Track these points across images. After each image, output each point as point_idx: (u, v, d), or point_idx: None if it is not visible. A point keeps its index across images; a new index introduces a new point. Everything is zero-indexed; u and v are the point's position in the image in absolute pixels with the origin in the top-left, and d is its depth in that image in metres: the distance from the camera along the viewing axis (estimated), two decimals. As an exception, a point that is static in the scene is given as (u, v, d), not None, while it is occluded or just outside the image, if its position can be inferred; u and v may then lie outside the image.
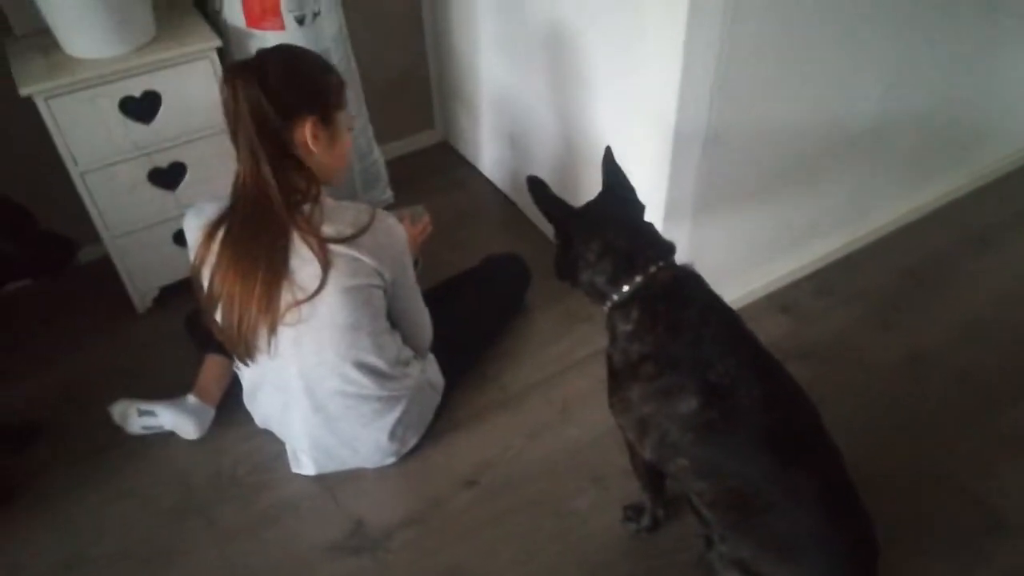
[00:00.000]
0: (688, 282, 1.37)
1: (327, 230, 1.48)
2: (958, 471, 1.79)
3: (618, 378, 1.40)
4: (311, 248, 1.47)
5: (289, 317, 1.52)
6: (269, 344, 1.55)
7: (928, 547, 1.65)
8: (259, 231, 1.47)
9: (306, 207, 1.48)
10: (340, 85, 1.56)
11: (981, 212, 2.53)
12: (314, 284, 1.48)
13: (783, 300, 2.24)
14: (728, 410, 1.29)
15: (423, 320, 1.79)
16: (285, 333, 1.55)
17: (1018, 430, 1.87)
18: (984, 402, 1.94)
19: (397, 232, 1.59)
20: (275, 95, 1.41)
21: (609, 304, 1.39)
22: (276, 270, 1.47)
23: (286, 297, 1.49)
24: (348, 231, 1.49)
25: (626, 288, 1.35)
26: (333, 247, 1.48)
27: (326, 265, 1.47)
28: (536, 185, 1.44)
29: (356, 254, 1.50)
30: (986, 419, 1.90)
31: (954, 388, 1.98)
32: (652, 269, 1.35)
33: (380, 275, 1.56)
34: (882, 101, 2.02)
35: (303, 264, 1.48)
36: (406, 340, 1.75)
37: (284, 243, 1.47)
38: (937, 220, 2.50)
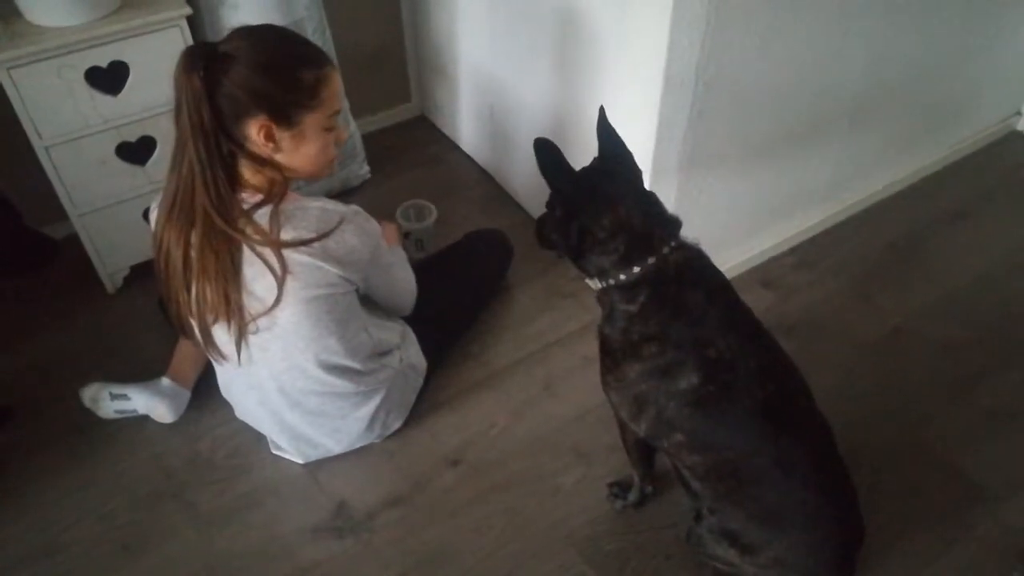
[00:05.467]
0: (697, 263, 1.32)
1: (285, 237, 1.37)
2: (939, 442, 1.80)
3: (615, 356, 1.36)
4: (263, 259, 1.37)
5: (251, 327, 1.46)
6: (239, 352, 1.50)
7: (910, 517, 1.66)
8: (206, 237, 1.36)
9: (262, 212, 1.37)
10: (318, 82, 1.36)
11: (959, 185, 2.54)
12: (271, 296, 1.41)
13: (764, 274, 2.24)
14: (726, 384, 1.28)
15: (400, 295, 1.74)
16: (251, 340, 1.50)
17: (998, 402, 1.89)
18: (965, 374, 1.96)
19: (368, 229, 1.47)
20: (224, 90, 1.29)
21: (610, 283, 1.32)
22: (225, 279, 1.38)
23: (247, 305, 1.43)
24: (309, 237, 1.38)
25: (636, 270, 1.29)
26: (292, 255, 1.38)
27: (282, 279, 1.38)
28: (545, 148, 1.27)
29: (318, 263, 1.40)
30: (967, 391, 1.92)
31: (935, 361, 2.00)
32: (665, 250, 1.29)
33: (347, 281, 1.47)
34: (866, 73, 2.01)
35: (258, 275, 1.40)
36: (386, 308, 1.72)
37: (231, 251, 1.37)
38: (916, 194, 2.51)
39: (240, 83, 1.29)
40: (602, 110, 1.38)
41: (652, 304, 1.29)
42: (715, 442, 1.32)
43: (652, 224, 1.30)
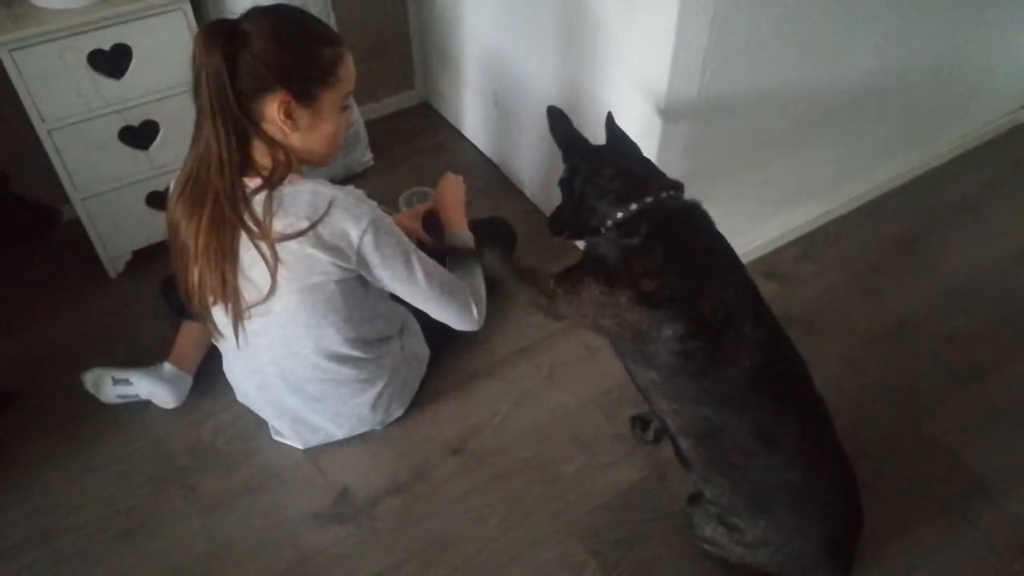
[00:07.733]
0: (695, 212, 1.34)
1: (278, 225, 1.35)
2: (944, 435, 1.80)
3: (607, 274, 1.32)
4: (257, 247, 1.37)
5: (246, 313, 1.46)
6: (236, 335, 1.50)
7: (912, 509, 1.66)
8: (211, 218, 1.36)
9: (259, 197, 1.35)
10: (335, 60, 1.37)
11: (963, 178, 2.53)
12: (266, 285, 1.40)
13: (769, 266, 2.23)
14: (711, 340, 1.26)
15: (439, 300, 1.59)
16: (251, 325, 1.49)
17: (1002, 395, 1.89)
18: (970, 367, 1.95)
19: (363, 211, 1.39)
20: (245, 65, 1.28)
21: (611, 222, 1.32)
22: (224, 260, 1.38)
23: (244, 291, 1.42)
24: (302, 225, 1.35)
25: (634, 207, 1.30)
26: (283, 243, 1.37)
27: (274, 269, 1.37)
28: (556, 114, 1.37)
29: (309, 250, 1.37)
30: (972, 384, 1.91)
31: (940, 353, 1.99)
32: (663, 195, 1.32)
33: (341, 268, 1.42)
34: (871, 67, 2.00)
35: (255, 262, 1.39)
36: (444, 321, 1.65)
37: (232, 234, 1.37)
38: (920, 186, 2.50)
39: (261, 57, 1.29)
40: (610, 116, 1.43)
41: (653, 236, 1.28)
42: (688, 393, 1.31)
43: (651, 173, 1.38)
